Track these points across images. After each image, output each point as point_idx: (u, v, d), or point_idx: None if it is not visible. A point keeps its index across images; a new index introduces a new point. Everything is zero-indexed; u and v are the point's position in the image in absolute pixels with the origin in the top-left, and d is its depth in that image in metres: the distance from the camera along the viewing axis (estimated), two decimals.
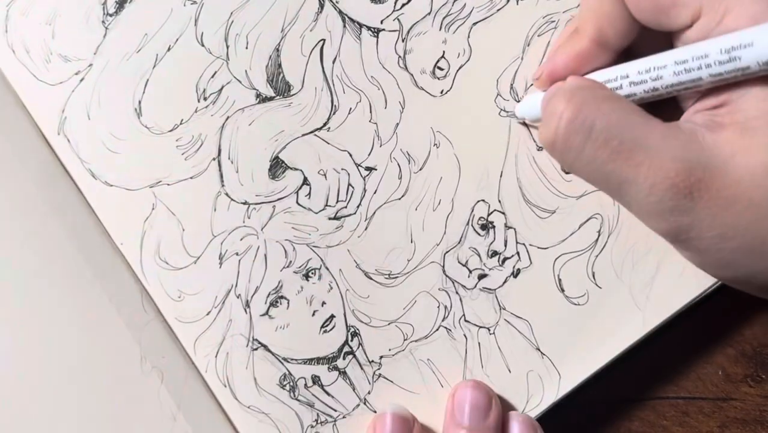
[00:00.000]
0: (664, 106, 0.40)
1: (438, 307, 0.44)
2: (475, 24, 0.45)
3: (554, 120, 0.38)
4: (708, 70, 0.37)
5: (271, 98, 0.45)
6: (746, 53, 0.35)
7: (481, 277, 0.44)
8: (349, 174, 0.45)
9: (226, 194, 0.44)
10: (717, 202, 0.36)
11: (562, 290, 0.44)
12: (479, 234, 0.44)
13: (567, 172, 0.44)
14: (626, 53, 0.40)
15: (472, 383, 0.43)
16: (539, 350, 0.44)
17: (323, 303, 0.44)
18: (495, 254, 0.44)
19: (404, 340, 0.44)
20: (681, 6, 0.37)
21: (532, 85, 0.45)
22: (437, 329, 0.44)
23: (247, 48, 0.45)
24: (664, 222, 0.38)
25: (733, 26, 0.36)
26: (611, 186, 0.38)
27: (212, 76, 0.45)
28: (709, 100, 0.38)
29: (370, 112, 0.45)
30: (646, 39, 0.40)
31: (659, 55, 0.38)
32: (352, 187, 0.45)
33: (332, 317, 0.44)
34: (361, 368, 0.44)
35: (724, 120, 0.37)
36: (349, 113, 0.45)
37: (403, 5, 0.45)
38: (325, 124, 0.45)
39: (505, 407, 0.43)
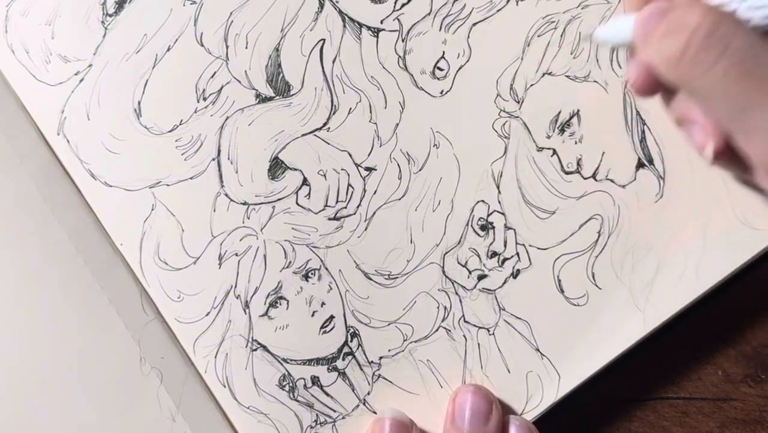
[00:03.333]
0: None
1: (437, 307, 0.44)
2: (475, 24, 0.45)
3: (686, 32, 0.36)
4: None
5: (270, 98, 0.45)
6: None
7: (481, 278, 0.44)
8: (348, 174, 0.45)
9: (226, 195, 0.44)
10: None
11: (562, 291, 0.44)
12: (479, 235, 0.44)
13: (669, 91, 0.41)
14: None
15: (473, 388, 0.43)
16: (539, 350, 0.44)
17: (323, 304, 0.44)
18: (495, 254, 0.44)
19: (404, 341, 0.44)
20: None
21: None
22: (437, 330, 0.44)
23: (246, 48, 0.45)
24: None
25: None
26: (733, 108, 0.36)
27: (212, 77, 0.45)
28: None
29: (370, 112, 0.45)
30: None
31: None
32: (352, 188, 0.45)
33: (332, 317, 0.44)
34: (361, 369, 0.44)
35: None
36: (348, 113, 0.45)
37: (403, 5, 0.45)
38: (324, 125, 0.45)
39: (505, 408, 0.43)
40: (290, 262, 0.44)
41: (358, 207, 0.45)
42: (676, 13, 0.37)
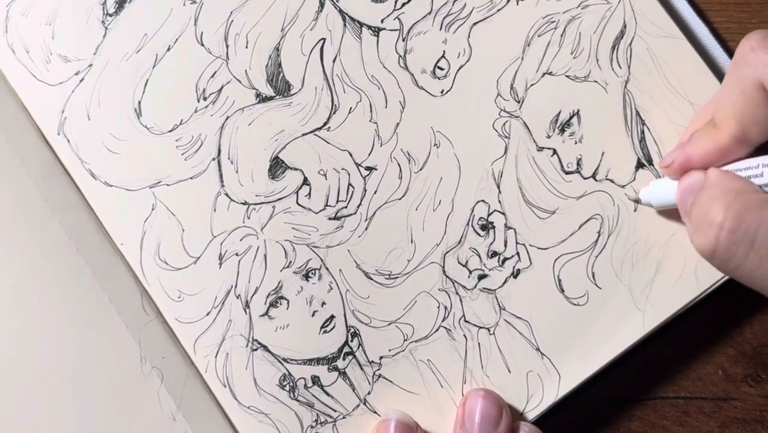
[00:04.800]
0: None
1: (438, 307, 0.44)
2: (475, 24, 0.45)
3: (713, 229, 0.37)
4: None
5: (270, 98, 0.45)
6: None
7: (481, 277, 0.44)
8: (349, 174, 0.45)
9: (226, 194, 0.44)
10: None
11: (562, 291, 0.44)
12: (479, 234, 0.44)
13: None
14: None
15: (483, 393, 0.43)
16: (539, 350, 0.44)
17: (323, 303, 0.44)
18: (495, 254, 0.44)
19: (404, 340, 0.44)
20: None
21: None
22: (437, 330, 0.44)
23: (246, 47, 0.45)
24: None
25: None
26: None
27: (212, 76, 0.45)
28: None
29: (371, 111, 0.45)
30: None
31: None
32: (353, 187, 0.45)
33: (332, 317, 0.44)
34: (361, 369, 0.44)
35: None
36: (349, 113, 0.45)
37: (404, 4, 0.45)
38: (325, 124, 0.45)
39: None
40: (291, 262, 0.44)
41: (358, 207, 0.45)
42: (700, 207, 0.38)
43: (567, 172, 0.45)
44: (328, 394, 0.44)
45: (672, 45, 0.45)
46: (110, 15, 0.45)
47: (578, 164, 0.45)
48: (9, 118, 0.45)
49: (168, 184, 0.44)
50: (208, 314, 0.44)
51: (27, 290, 0.44)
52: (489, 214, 0.44)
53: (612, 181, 0.44)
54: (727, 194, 0.37)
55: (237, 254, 0.44)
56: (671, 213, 0.43)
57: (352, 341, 0.44)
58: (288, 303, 0.44)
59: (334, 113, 0.45)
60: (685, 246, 0.43)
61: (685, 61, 0.45)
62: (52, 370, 0.44)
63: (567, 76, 0.45)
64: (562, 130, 0.45)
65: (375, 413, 0.44)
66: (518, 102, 0.45)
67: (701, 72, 0.45)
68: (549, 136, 0.45)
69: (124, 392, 0.44)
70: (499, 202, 0.44)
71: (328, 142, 0.45)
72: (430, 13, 0.45)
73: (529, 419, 0.44)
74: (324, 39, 0.45)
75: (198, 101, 0.45)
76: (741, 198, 0.37)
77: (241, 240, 0.44)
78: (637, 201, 0.44)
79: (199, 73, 0.45)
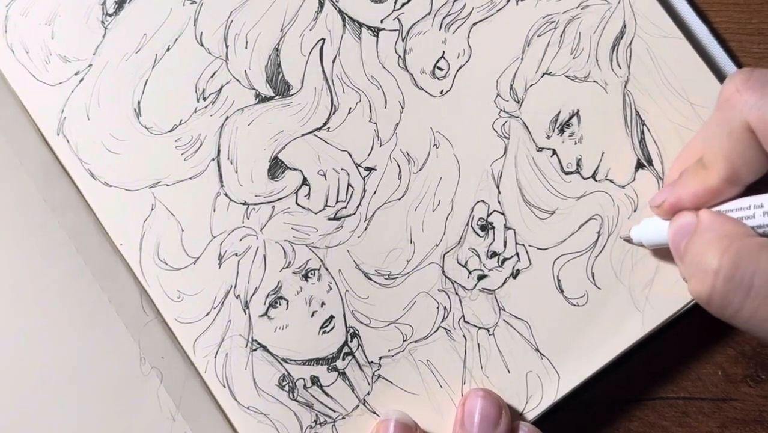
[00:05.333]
0: None
1: (437, 308, 0.44)
2: (475, 24, 0.45)
3: (708, 277, 0.37)
4: None
5: (270, 98, 0.45)
6: None
7: (481, 278, 0.44)
8: (348, 174, 0.45)
9: (226, 195, 0.44)
10: None
11: (562, 291, 0.44)
12: (479, 235, 0.44)
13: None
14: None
15: (483, 393, 0.43)
16: (538, 350, 0.44)
17: (322, 304, 0.44)
18: (494, 254, 0.44)
19: (403, 341, 0.44)
20: None
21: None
22: (436, 330, 0.44)
23: (246, 48, 0.45)
24: None
25: None
26: None
27: (211, 76, 0.45)
28: None
29: (370, 112, 0.45)
30: None
31: None
32: (352, 188, 0.45)
33: (331, 317, 0.44)
34: (361, 369, 0.44)
35: None
36: (348, 113, 0.45)
37: (403, 5, 0.45)
38: (324, 124, 0.45)
39: None
40: (290, 262, 0.44)
41: (357, 207, 0.45)
42: (694, 253, 0.38)
43: (567, 173, 0.44)
44: (327, 394, 0.44)
45: (672, 45, 0.45)
46: (110, 15, 0.45)
47: (578, 165, 0.44)
48: (9, 118, 0.45)
49: (167, 185, 0.44)
50: (207, 315, 0.44)
51: (27, 290, 0.44)
52: (488, 215, 0.44)
53: (612, 181, 0.44)
54: (721, 240, 0.37)
55: (236, 254, 0.44)
56: None
57: (351, 341, 0.44)
58: (287, 303, 0.44)
59: (333, 113, 0.45)
60: None
61: (685, 61, 0.44)
62: (52, 370, 0.44)
63: (567, 77, 0.45)
64: (562, 131, 0.45)
65: (374, 413, 0.44)
66: (518, 102, 0.45)
67: (701, 72, 0.44)
68: (549, 137, 0.45)
69: (123, 392, 0.44)
70: (499, 202, 0.44)
71: (328, 143, 0.45)
72: (429, 13, 0.45)
73: (528, 419, 0.44)
74: (323, 39, 0.45)
75: (197, 101, 0.45)
76: (735, 244, 0.37)
77: (240, 240, 0.44)
78: (629, 240, 0.44)
79: (198, 74, 0.45)
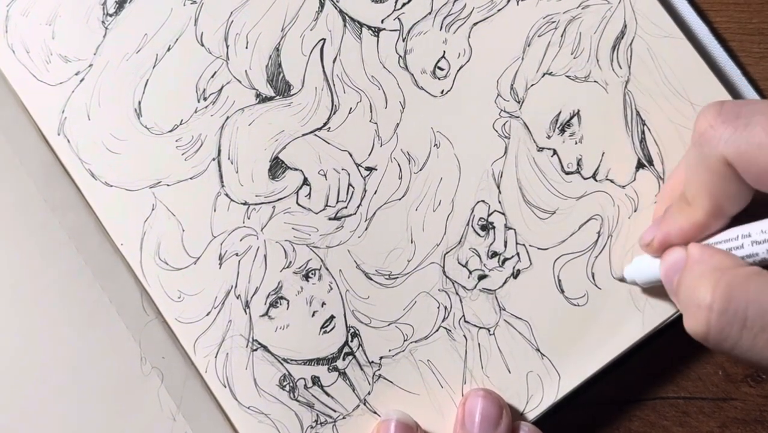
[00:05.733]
0: None
1: (438, 307, 0.44)
2: (475, 24, 0.45)
3: (702, 313, 0.36)
4: None
5: (271, 98, 0.45)
6: None
7: (481, 278, 0.44)
8: (349, 174, 0.45)
9: (226, 195, 0.44)
10: None
11: (562, 291, 0.44)
12: (479, 235, 0.44)
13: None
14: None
15: (483, 393, 0.43)
16: (539, 350, 0.44)
17: (323, 304, 0.44)
18: (495, 254, 0.44)
19: (404, 341, 0.44)
20: None
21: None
22: (437, 330, 0.44)
23: (247, 48, 0.45)
24: None
25: None
26: None
27: (212, 76, 0.45)
28: None
29: (371, 111, 0.45)
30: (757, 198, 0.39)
31: None
32: (353, 188, 0.45)
33: (332, 317, 0.44)
34: (361, 369, 0.44)
35: None
36: (349, 113, 0.45)
37: (404, 5, 0.45)
38: (325, 124, 0.45)
39: None
40: (290, 262, 0.44)
41: (358, 207, 0.45)
42: (686, 288, 0.38)
43: (567, 173, 0.45)
44: (328, 394, 0.44)
45: (672, 45, 0.45)
46: (110, 15, 0.45)
47: (578, 165, 0.45)
48: (9, 118, 0.45)
49: (168, 185, 0.44)
50: (208, 314, 0.44)
51: (27, 290, 0.44)
52: (489, 215, 0.44)
53: (612, 181, 0.44)
54: (712, 273, 0.37)
55: (237, 254, 0.44)
56: None
57: (352, 341, 0.44)
58: (288, 303, 0.44)
59: (334, 113, 0.45)
60: None
61: (685, 61, 0.45)
62: (52, 370, 0.44)
63: (567, 77, 0.45)
64: (563, 131, 0.45)
65: (375, 413, 0.44)
66: (518, 102, 0.45)
67: (701, 72, 0.44)
68: (549, 137, 0.45)
69: (124, 392, 0.44)
70: (499, 202, 0.44)
71: (328, 143, 0.45)
72: (430, 13, 0.45)
73: (529, 419, 0.44)
74: (324, 39, 0.45)
75: (198, 101, 0.45)
76: (726, 276, 0.36)
77: (241, 240, 0.44)
78: (622, 280, 0.44)
79: (199, 74, 0.45)
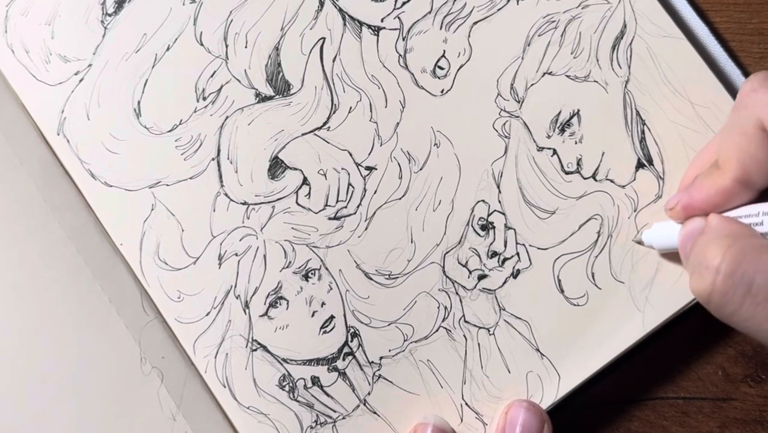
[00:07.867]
0: None
1: (438, 307, 0.44)
2: (475, 23, 0.45)
3: (709, 273, 0.37)
4: None
5: (270, 97, 0.45)
6: None
7: (481, 277, 0.44)
8: (349, 174, 0.45)
9: (226, 195, 0.44)
10: None
11: (562, 291, 0.44)
12: (479, 235, 0.44)
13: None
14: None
15: (527, 404, 0.43)
16: (539, 350, 0.44)
17: (323, 304, 0.44)
18: (495, 254, 0.44)
19: (404, 341, 0.44)
20: None
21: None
22: (437, 330, 0.44)
23: (246, 47, 0.45)
24: None
25: None
26: None
27: (211, 76, 0.45)
28: None
29: (371, 111, 0.45)
30: None
31: None
32: (352, 187, 0.45)
33: (332, 317, 0.44)
34: (361, 369, 0.44)
35: None
36: (349, 112, 0.45)
37: (404, 4, 0.45)
38: (325, 124, 0.45)
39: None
40: (290, 262, 0.44)
41: (358, 207, 0.45)
42: (697, 251, 0.38)
43: (567, 173, 0.44)
44: (327, 394, 0.44)
45: (672, 45, 0.45)
46: (109, 15, 0.45)
47: (578, 164, 0.44)
48: (9, 118, 0.45)
49: (167, 185, 0.44)
50: (207, 315, 0.44)
51: (27, 290, 0.44)
52: (489, 215, 0.44)
53: (612, 181, 0.44)
54: (725, 238, 0.37)
55: (236, 254, 0.44)
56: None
57: (351, 341, 0.44)
58: (288, 303, 0.44)
59: (333, 113, 0.45)
60: None
61: (685, 61, 0.44)
62: (52, 370, 0.44)
63: (567, 76, 0.45)
64: (562, 130, 0.45)
65: (375, 413, 0.44)
66: (518, 102, 0.45)
67: (701, 72, 0.44)
68: (549, 136, 0.45)
69: (124, 392, 0.44)
70: (499, 202, 0.44)
71: (328, 142, 0.45)
72: (430, 12, 0.45)
73: None
74: (324, 38, 0.45)
75: (197, 101, 0.45)
76: (739, 243, 0.36)
77: (240, 240, 0.44)
78: (640, 243, 0.44)
79: (198, 73, 0.45)
